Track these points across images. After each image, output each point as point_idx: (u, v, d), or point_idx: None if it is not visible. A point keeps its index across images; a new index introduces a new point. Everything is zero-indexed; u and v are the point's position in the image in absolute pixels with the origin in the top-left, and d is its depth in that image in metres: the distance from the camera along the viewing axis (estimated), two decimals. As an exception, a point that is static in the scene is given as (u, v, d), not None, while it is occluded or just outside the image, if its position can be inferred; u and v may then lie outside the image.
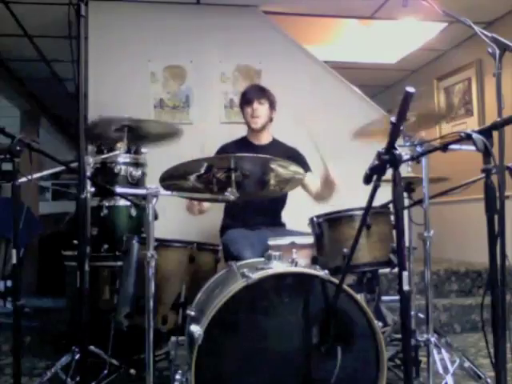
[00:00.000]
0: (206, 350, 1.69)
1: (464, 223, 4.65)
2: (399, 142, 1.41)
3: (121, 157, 2.72)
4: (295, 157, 2.81)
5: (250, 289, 1.74)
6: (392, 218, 2.21)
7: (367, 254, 2.13)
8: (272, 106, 2.93)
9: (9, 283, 4.14)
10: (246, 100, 2.89)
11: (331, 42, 4.93)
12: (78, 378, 1.79)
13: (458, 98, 5.00)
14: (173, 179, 2.01)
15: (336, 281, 1.78)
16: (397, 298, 1.42)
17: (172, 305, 2.10)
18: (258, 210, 2.88)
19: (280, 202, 3.01)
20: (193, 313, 1.91)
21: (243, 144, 2.92)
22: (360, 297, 1.90)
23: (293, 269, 1.86)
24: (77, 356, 2.21)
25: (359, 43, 5.00)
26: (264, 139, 2.97)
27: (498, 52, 1.86)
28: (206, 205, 2.77)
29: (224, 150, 2.89)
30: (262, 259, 1.98)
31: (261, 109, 2.88)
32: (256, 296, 1.78)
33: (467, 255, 4.51)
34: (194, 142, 3.54)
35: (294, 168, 2.04)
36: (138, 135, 2.58)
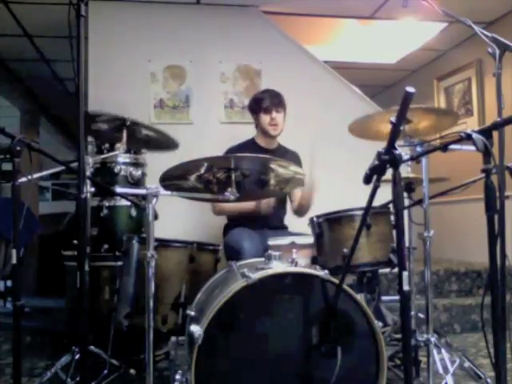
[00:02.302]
0: (205, 350, 1.69)
1: (464, 223, 4.65)
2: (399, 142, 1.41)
3: (121, 157, 2.72)
4: (297, 161, 2.84)
5: (249, 289, 1.74)
6: (392, 217, 2.21)
7: (367, 254, 2.13)
8: (285, 112, 2.96)
9: (9, 283, 4.14)
10: (264, 109, 2.89)
11: (331, 42, 4.93)
12: (77, 378, 1.78)
13: (458, 98, 5.00)
14: (173, 179, 2.01)
15: (336, 281, 1.78)
16: (397, 298, 1.42)
17: (172, 305, 2.10)
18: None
19: (282, 204, 3.02)
20: (193, 313, 1.91)
21: (252, 146, 2.92)
22: (360, 297, 1.90)
23: (293, 269, 1.86)
24: (77, 356, 2.22)
25: (359, 43, 5.00)
26: (273, 144, 3.00)
27: (497, 52, 1.86)
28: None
29: (231, 152, 2.89)
30: (262, 259, 1.99)
31: (279, 117, 2.91)
32: (256, 296, 1.78)
33: (467, 255, 4.51)
34: (194, 142, 3.56)
35: (294, 168, 2.05)
36: (136, 138, 2.58)
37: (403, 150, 1.46)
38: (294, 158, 2.89)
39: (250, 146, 2.94)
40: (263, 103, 2.90)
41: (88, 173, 2.12)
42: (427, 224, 2.27)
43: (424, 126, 2.30)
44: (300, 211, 2.83)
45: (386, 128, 1.64)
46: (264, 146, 2.97)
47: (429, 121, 2.29)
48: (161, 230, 2.08)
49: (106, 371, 2.30)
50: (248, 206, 2.78)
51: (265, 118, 2.89)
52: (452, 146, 1.59)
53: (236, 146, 2.95)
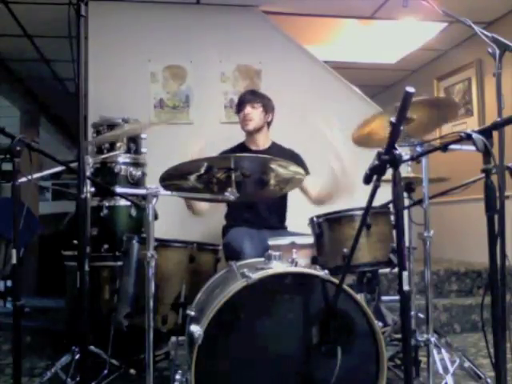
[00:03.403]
0: (205, 350, 1.69)
1: (464, 223, 4.65)
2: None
3: (121, 157, 2.72)
4: (293, 159, 2.81)
5: (249, 289, 1.74)
6: (392, 217, 2.21)
7: (367, 253, 2.13)
8: (266, 109, 2.92)
9: (9, 283, 4.14)
10: (238, 105, 2.91)
11: (331, 42, 4.93)
12: (77, 378, 1.79)
13: (458, 98, 5.00)
14: (173, 179, 2.01)
15: (336, 281, 1.78)
16: (397, 298, 1.42)
17: (172, 305, 2.10)
18: (261, 211, 2.89)
19: (281, 204, 3.01)
20: (193, 313, 1.91)
21: (241, 150, 2.91)
22: (360, 297, 1.90)
23: (293, 269, 1.86)
24: (77, 356, 2.22)
25: (359, 43, 5.00)
26: (262, 144, 2.96)
27: (497, 52, 1.86)
28: (204, 206, 2.79)
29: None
30: (262, 259, 1.99)
31: (254, 112, 2.87)
32: (256, 296, 1.78)
33: (467, 255, 4.51)
34: (194, 142, 3.56)
35: (294, 168, 2.04)
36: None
37: (403, 150, 1.46)
38: (290, 156, 2.87)
39: (240, 149, 2.93)
40: (238, 100, 2.94)
41: (88, 173, 2.12)
42: (427, 224, 2.27)
43: (425, 118, 2.28)
44: (320, 202, 2.84)
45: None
46: (254, 148, 2.94)
47: (429, 114, 2.27)
48: (161, 230, 2.08)
49: (106, 371, 2.30)
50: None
51: (240, 115, 2.91)
52: (452, 146, 1.59)
53: (227, 150, 2.94)
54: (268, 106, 2.93)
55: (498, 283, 1.45)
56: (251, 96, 2.91)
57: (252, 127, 2.88)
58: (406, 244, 2.34)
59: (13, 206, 1.80)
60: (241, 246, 2.54)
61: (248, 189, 2.07)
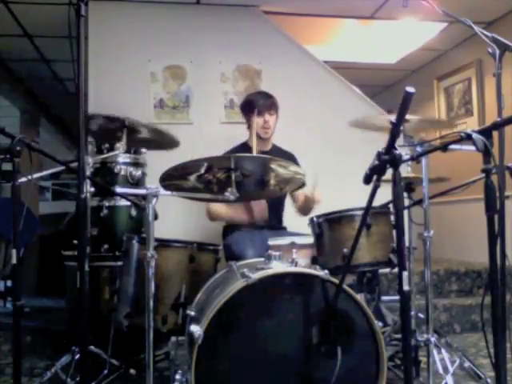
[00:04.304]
0: (206, 350, 1.69)
1: (464, 223, 4.65)
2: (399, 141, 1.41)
3: (121, 157, 2.72)
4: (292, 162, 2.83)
5: (249, 289, 1.74)
6: (392, 217, 2.21)
7: (367, 253, 2.13)
8: (277, 114, 2.96)
9: (9, 283, 4.14)
10: (257, 111, 2.86)
11: (331, 42, 4.93)
12: (77, 378, 1.78)
13: (458, 98, 5.00)
14: (173, 179, 2.01)
15: (336, 281, 1.78)
16: (397, 298, 1.42)
17: (172, 305, 2.10)
18: None
19: (280, 204, 3.02)
20: (193, 313, 1.91)
21: (245, 150, 2.91)
22: (360, 297, 1.90)
23: (293, 269, 1.86)
24: (77, 356, 2.21)
25: (359, 43, 5.00)
26: (266, 146, 2.99)
27: (497, 52, 1.86)
28: (222, 211, 2.84)
29: None
30: (262, 259, 1.99)
31: (271, 120, 2.90)
32: (256, 296, 1.78)
33: (467, 255, 4.51)
34: (194, 142, 3.56)
35: (294, 168, 2.04)
36: (136, 139, 2.59)
37: (403, 150, 1.46)
38: (289, 159, 2.87)
39: (243, 149, 2.92)
40: (256, 105, 2.87)
41: (88, 173, 2.12)
42: (427, 224, 2.27)
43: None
44: (303, 211, 2.84)
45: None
46: (257, 148, 2.95)
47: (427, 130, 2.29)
48: (161, 230, 2.08)
49: (106, 371, 2.30)
50: (243, 216, 2.81)
51: (258, 121, 2.87)
52: (452, 146, 1.59)
53: (229, 151, 2.94)
54: (278, 110, 2.96)
55: (498, 283, 1.45)
56: (269, 103, 2.90)
57: (269, 135, 2.94)
58: (406, 244, 2.34)
59: (13, 206, 1.80)
60: (243, 251, 2.54)
61: (248, 189, 2.07)
